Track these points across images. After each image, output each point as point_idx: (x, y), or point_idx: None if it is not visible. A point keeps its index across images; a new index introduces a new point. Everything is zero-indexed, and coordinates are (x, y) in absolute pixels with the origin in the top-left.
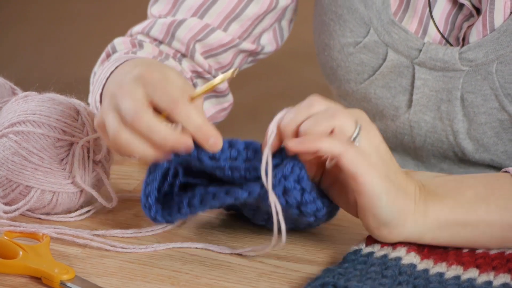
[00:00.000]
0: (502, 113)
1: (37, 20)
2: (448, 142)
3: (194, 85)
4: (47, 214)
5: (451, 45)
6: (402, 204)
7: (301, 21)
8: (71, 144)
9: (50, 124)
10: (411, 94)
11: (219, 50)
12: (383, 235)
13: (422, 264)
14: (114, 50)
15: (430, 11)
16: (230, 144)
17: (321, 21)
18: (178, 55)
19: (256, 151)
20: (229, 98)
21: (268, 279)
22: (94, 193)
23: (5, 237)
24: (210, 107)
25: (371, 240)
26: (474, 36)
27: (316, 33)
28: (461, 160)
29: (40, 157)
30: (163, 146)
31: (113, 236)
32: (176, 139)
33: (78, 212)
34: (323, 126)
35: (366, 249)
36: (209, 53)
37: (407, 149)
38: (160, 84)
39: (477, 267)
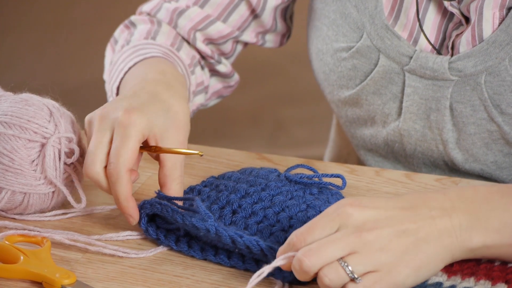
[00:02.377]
0: (491, 124)
1: (36, 25)
2: (438, 152)
3: (202, 67)
4: (20, 214)
5: (441, 54)
6: (441, 255)
7: (303, 26)
8: (42, 145)
9: (21, 125)
10: (401, 102)
11: (220, 41)
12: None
13: (449, 281)
14: (133, 25)
15: (420, 26)
16: (232, 241)
17: (315, 27)
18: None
19: (258, 252)
20: (235, 78)
21: (269, 283)
22: (65, 191)
23: (6, 242)
24: (217, 82)
25: None
26: (464, 46)
27: (310, 39)
28: (452, 170)
29: (11, 158)
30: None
31: (114, 240)
32: (124, 207)
33: (54, 212)
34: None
35: None
36: (210, 42)
37: (398, 157)
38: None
39: (506, 282)
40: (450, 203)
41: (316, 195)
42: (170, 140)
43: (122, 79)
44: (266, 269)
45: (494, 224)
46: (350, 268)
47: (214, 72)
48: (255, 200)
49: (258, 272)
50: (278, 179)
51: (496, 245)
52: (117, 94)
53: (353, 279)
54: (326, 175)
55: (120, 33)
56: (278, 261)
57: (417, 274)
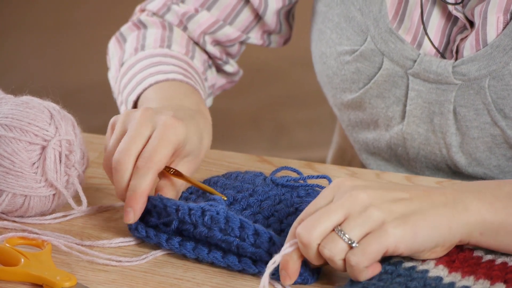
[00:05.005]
0: (495, 128)
1: (37, 27)
2: (441, 155)
3: (210, 66)
4: (21, 217)
5: (445, 58)
6: (437, 221)
7: (304, 29)
8: (43, 148)
9: (22, 128)
10: (405, 105)
11: (228, 45)
12: (441, 253)
13: (450, 277)
14: (144, 26)
15: (425, 29)
16: (241, 225)
17: (318, 30)
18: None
19: (266, 241)
20: (240, 74)
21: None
22: (66, 193)
23: (7, 244)
24: (222, 78)
25: None
26: (468, 50)
27: (313, 42)
28: (455, 173)
29: (11, 161)
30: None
31: (115, 244)
32: (136, 202)
33: (54, 215)
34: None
35: (396, 258)
36: (218, 43)
37: (401, 160)
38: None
39: (505, 281)
40: (442, 187)
41: (304, 197)
42: (186, 164)
43: (140, 94)
44: (277, 258)
45: (487, 197)
46: (347, 235)
47: (220, 71)
48: (244, 207)
49: (271, 261)
50: (264, 183)
51: (491, 218)
52: (134, 107)
53: (351, 246)
54: (312, 177)
55: (129, 31)
56: (286, 249)
57: (414, 236)
